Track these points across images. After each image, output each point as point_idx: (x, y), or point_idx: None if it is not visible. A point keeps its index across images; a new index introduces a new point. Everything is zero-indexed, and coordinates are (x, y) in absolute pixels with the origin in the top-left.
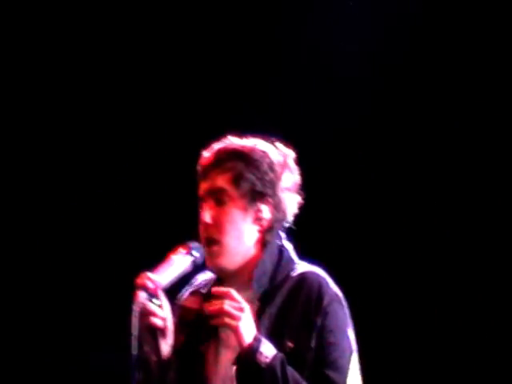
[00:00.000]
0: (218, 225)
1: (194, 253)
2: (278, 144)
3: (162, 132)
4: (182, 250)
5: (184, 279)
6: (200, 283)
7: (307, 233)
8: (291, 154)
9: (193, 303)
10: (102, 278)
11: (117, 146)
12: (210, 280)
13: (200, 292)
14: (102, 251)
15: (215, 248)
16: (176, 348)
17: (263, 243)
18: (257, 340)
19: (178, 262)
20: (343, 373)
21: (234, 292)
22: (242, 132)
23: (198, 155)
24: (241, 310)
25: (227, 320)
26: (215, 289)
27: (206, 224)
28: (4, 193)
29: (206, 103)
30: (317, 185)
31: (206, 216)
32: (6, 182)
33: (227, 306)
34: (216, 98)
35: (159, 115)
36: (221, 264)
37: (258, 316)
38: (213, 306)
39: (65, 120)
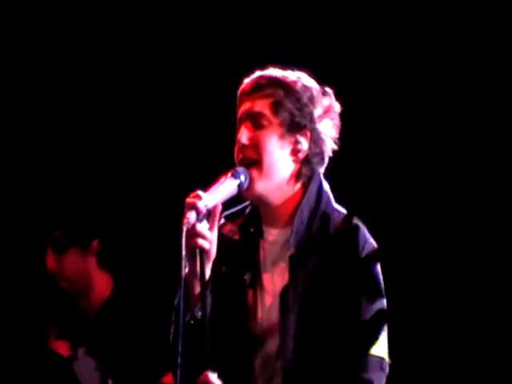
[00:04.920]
0: (255, 146)
1: (241, 177)
2: (327, 88)
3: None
4: (229, 174)
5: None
6: (237, 210)
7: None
8: (335, 102)
9: (231, 232)
10: (152, 199)
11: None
12: (249, 212)
13: (236, 221)
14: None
15: (253, 171)
16: (216, 277)
17: (300, 177)
18: None
19: (225, 185)
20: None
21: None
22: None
23: (237, 83)
24: None
25: None
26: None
27: (243, 145)
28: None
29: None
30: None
31: (243, 137)
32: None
33: None
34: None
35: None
36: (258, 189)
37: (293, 266)
38: None
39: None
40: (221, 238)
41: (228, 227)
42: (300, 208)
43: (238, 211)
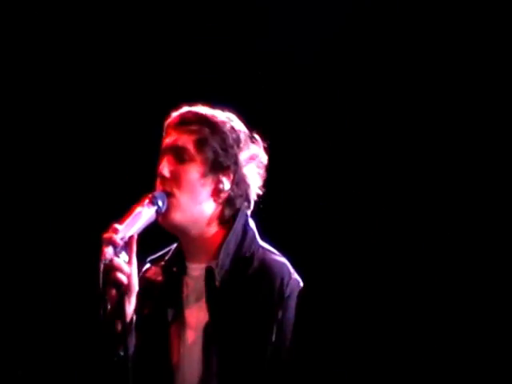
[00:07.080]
0: (175, 179)
1: (159, 202)
2: (256, 135)
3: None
4: (145, 201)
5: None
6: (162, 253)
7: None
8: (263, 153)
9: (155, 275)
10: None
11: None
12: (173, 252)
13: (160, 263)
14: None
15: (172, 200)
16: (139, 320)
17: (223, 218)
18: None
19: (142, 214)
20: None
21: None
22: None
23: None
24: None
25: None
26: None
27: (164, 177)
28: None
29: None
30: None
31: (165, 169)
32: None
33: None
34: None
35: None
36: (173, 218)
37: (216, 299)
38: None
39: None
40: (144, 282)
41: (152, 270)
42: (226, 242)
43: (162, 254)
